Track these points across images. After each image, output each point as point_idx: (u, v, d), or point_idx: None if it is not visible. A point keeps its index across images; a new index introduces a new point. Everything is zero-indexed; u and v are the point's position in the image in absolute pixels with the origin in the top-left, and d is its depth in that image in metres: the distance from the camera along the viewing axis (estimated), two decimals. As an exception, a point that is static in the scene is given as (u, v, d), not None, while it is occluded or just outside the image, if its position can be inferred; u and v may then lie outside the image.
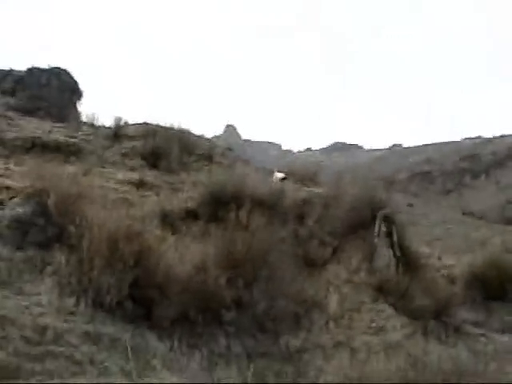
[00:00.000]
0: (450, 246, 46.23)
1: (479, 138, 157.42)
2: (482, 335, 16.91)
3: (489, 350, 15.80)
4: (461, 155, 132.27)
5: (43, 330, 9.56)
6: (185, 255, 12.72)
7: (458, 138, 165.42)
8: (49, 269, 11.79)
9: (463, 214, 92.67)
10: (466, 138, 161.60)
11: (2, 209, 12.99)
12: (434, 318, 15.51)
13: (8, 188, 14.05)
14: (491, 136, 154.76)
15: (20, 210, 12.92)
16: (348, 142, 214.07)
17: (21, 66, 40.39)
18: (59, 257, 11.90)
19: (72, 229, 12.11)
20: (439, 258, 28.35)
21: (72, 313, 10.63)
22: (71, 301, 10.86)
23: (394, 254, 16.61)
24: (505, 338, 17.32)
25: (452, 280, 22.03)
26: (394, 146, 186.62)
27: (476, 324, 18.14)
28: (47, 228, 12.64)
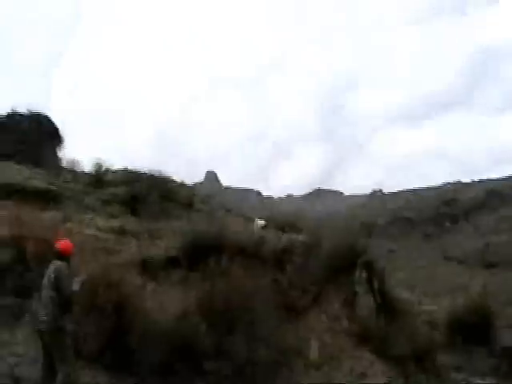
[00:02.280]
0: (431, 291, 46.31)
1: (458, 182, 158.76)
2: (463, 380, 16.89)
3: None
4: (440, 200, 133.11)
5: (19, 380, 9.45)
6: (165, 303, 12.65)
7: (437, 183, 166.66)
8: (26, 317, 11.68)
9: (444, 258, 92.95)
10: (446, 183, 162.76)
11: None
12: (416, 363, 15.47)
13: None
14: (470, 180, 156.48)
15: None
16: (328, 188, 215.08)
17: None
18: (37, 305, 11.79)
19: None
20: (420, 303, 28.39)
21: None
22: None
23: (375, 301, 16.61)
24: (486, 382, 17.32)
25: (433, 325, 22.04)
26: (375, 191, 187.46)
27: (457, 368, 18.13)
28: (25, 275, 12.55)
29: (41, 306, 9.10)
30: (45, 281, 9.17)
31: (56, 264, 9.25)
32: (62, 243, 9.63)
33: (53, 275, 9.06)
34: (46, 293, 9.04)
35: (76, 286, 9.26)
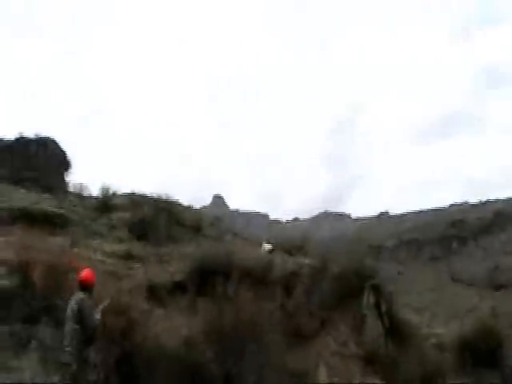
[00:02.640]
0: (439, 313, 46.05)
1: (465, 203, 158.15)
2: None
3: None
4: (448, 222, 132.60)
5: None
6: (172, 329, 12.57)
7: (444, 204, 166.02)
8: (34, 343, 11.63)
9: (452, 280, 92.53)
10: (453, 204, 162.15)
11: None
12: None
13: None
14: (477, 201, 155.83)
15: (5, 282, 12.82)
16: (336, 211, 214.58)
17: (8, 131, 40.75)
18: (44, 331, 11.75)
19: (58, 302, 12.00)
20: (429, 326, 28.22)
21: (57, 389, 10.45)
22: (56, 377, 10.68)
23: (383, 325, 16.51)
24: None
25: (442, 348, 21.87)
26: (381, 213, 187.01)
27: (466, 391, 17.97)
28: (32, 301, 12.51)
29: (65, 339, 9.14)
30: (68, 313, 9.25)
31: (78, 296, 9.31)
32: (84, 274, 9.67)
33: (76, 308, 9.15)
34: (70, 326, 9.13)
35: (98, 316, 9.37)
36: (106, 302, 9.90)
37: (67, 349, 8.98)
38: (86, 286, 9.42)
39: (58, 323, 11.68)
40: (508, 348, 21.58)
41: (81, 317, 9.01)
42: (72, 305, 9.18)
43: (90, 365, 9.20)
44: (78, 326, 8.99)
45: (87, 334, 9.06)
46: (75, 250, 17.83)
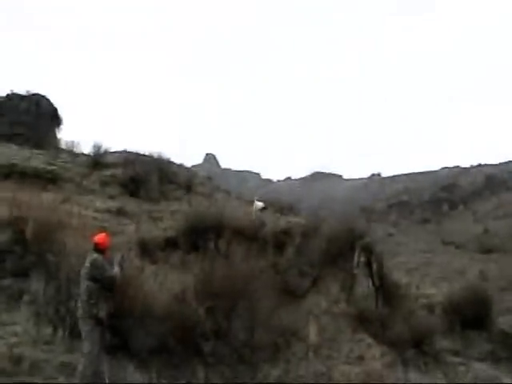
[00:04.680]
0: (429, 275, 46.38)
1: (457, 167, 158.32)
2: (461, 364, 16.87)
3: (468, 378, 15.80)
4: (439, 185, 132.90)
5: (19, 360, 9.43)
6: (164, 285, 12.62)
7: (436, 168, 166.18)
8: (26, 297, 11.66)
9: (442, 243, 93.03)
10: (444, 168, 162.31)
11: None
12: (413, 346, 15.48)
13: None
14: (469, 165, 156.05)
15: (-4, 237, 12.82)
16: (327, 171, 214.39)
17: (-1, 90, 40.42)
18: (36, 285, 11.77)
19: (50, 257, 12.02)
20: (418, 288, 28.38)
21: (49, 342, 10.49)
22: (48, 330, 10.73)
23: (374, 284, 16.60)
24: (483, 366, 17.31)
25: (431, 309, 22.04)
26: (373, 175, 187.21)
27: (455, 352, 18.12)
28: (24, 256, 12.52)
29: (79, 296, 9.47)
30: (82, 272, 9.52)
31: (92, 256, 9.57)
32: (100, 237, 9.98)
33: (88, 265, 9.42)
34: (83, 283, 9.41)
35: (116, 269, 9.70)
36: (119, 256, 10.18)
37: (78, 305, 9.37)
38: (100, 249, 9.76)
39: (50, 278, 11.73)
40: (497, 311, 21.81)
41: (94, 274, 9.33)
42: (85, 264, 9.49)
43: (98, 322, 9.30)
44: (90, 283, 9.29)
45: (104, 288, 9.45)
46: (67, 205, 17.81)
